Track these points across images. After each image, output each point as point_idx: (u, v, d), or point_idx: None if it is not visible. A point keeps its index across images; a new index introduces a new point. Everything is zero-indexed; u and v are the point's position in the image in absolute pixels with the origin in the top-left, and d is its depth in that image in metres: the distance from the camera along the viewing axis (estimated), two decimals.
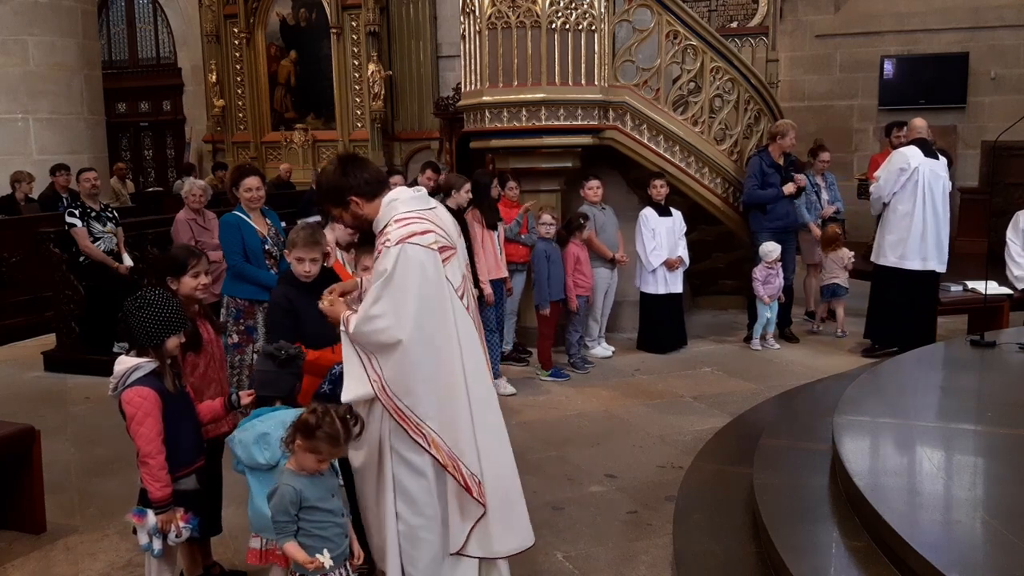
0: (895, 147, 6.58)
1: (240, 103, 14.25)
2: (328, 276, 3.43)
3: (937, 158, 6.47)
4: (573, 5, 6.70)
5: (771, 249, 6.86)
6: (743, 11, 11.10)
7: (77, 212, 6.77)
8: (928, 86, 11.71)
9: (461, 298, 2.79)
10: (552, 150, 7.02)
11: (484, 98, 6.90)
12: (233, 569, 3.44)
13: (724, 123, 7.52)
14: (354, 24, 13.25)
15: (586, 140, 6.99)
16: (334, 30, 13.30)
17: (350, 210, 2.83)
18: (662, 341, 6.92)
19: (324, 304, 2.86)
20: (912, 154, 6.32)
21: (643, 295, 6.93)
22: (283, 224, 5.40)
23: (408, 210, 2.75)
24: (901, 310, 6.33)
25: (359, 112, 13.50)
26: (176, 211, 6.96)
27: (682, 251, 6.92)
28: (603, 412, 5.53)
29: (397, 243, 2.64)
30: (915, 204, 6.28)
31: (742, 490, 3.88)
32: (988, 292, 6.03)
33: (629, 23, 7.14)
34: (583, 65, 6.80)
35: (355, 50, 13.31)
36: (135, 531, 2.92)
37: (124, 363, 2.86)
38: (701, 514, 3.81)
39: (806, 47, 12.57)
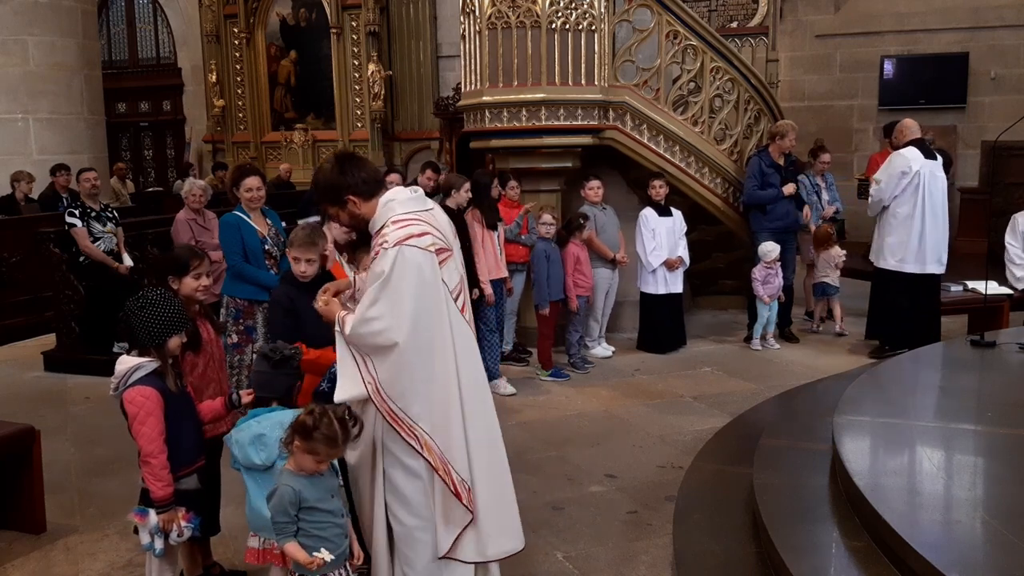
0: (895, 148, 6.55)
1: (240, 103, 14.25)
2: (328, 277, 3.42)
3: (935, 158, 6.46)
4: (573, 5, 6.70)
5: (770, 249, 6.87)
6: (743, 11, 11.10)
7: (77, 212, 6.77)
8: (928, 86, 11.72)
9: (457, 300, 2.79)
10: (552, 150, 7.02)
11: (484, 98, 6.91)
12: (233, 569, 3.45)
13: (724, 123, 7.52)
14: (354, 24, 13.25)
15: (586, 140, 6.99)
16: (334, 30, 13.31)
17: (347, 209, 2.80)
18: (662, 341, 6.92)
19: (319, 304, 2.84)
20: (913, 157, 6.28)
21: (643, 295, 6.93)
22: (283, 224, 5.41)
23: (405, 211, 2.73)
24: (903, 311, 6.32)
25: (359, 112, 13.50)
26: (176, 211, 6.95)
27: (682, 251, 6.92)
28: (603, 412, 5.53)
29: (395, 245, 2.63)
30: (915, 207, 6.25)
31: (742, 490, 3.87)
32: (988, 292, 6.03)
33: (629, 23, 7.14)
34: (583, 65, 6.80)
35: (355, 50, 13.31)
36: (136, 530, 2.92)
37: (125, 363, 2.86)
38: (701, 514, 3.81)
39: (806, 47, 12.58)
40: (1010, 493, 3.08)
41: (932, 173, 6.33)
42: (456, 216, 5.80)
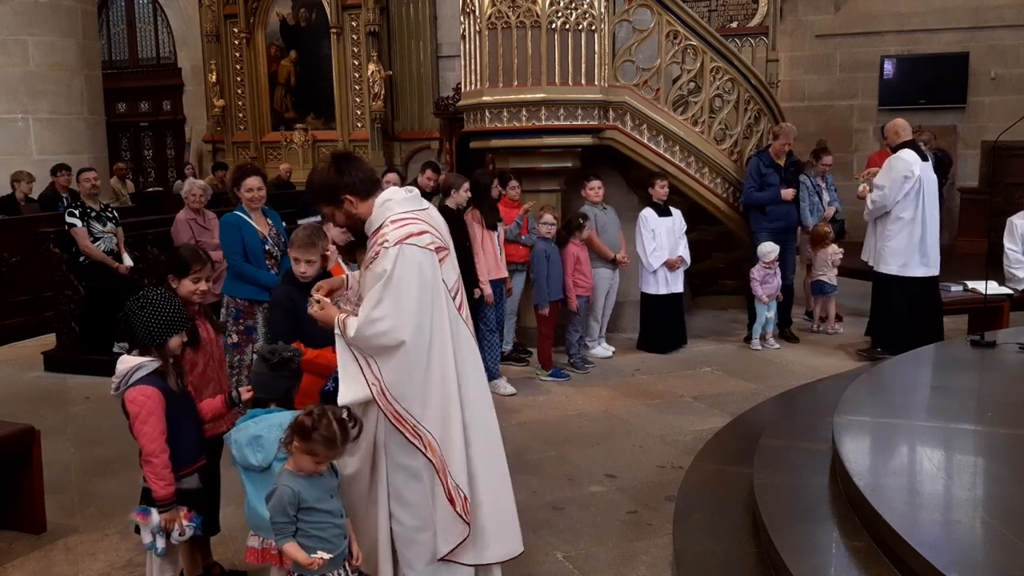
0: (891, 148, 6.52)
1: (240, 103, 14.24)
2: (328, 277, 3.41)
3: (927, 159, 6.45)
4: (573, 5, 6.70)
5: (769, 250, 6.87)
6: (743, 11, 11.10)
7: (77, 212, 6.77)
8: (928, 86, 11.72)
9: (455, 298, 2.79)
10: (552, 150, 7.02)
11: (484, 98, 6.91)
12: (233, 569, 3.45)
13: (724, 123, 7.52)
14: (354, 24, 13.25)
15: (586, 140, 6.99)
16: (334, 30, 13.30)
17: (343, 209, 2.79)
18: (662, 341, 6.92)
19: (314, 309, 2.80)
20: (913, 160, 6.25)
21: (643, 295, 6.93)
22: (284, 224, 5.40)
23: (403, 211, 2.73)
24: (907, 315, 6.29)
25: (359, 112, 13.50)
26: (176, 211, 6.95)
27: (683, 250, 6.93)
28: (603, 412, 5.53)
29: (395, 244, 2.62)
30: (917, 211, 6.23)
31: (742, 490, 3.87)
32: (988, 292, 6.03)
33: (629, 23, 7.15)
34: (583, 65, 6.80)
35: (355, 50, 13.31)
36: (137, 530, 2.92)
37: (126, 362, 2.86)
38: (701, 514, 3.81)
39: (806, 47, 12.58)
40: (1010, 493, 3.08)
41: (928, 176, 6.32)
42: (456, 216, 5.80)
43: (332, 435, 2.50)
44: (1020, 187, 10.57)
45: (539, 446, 4.90)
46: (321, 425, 2.49)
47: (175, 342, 2.91)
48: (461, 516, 2.69)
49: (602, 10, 6.83)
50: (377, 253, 2.66)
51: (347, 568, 2.66)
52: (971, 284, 6.79)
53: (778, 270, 6.95)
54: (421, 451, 2.67)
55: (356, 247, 3.24)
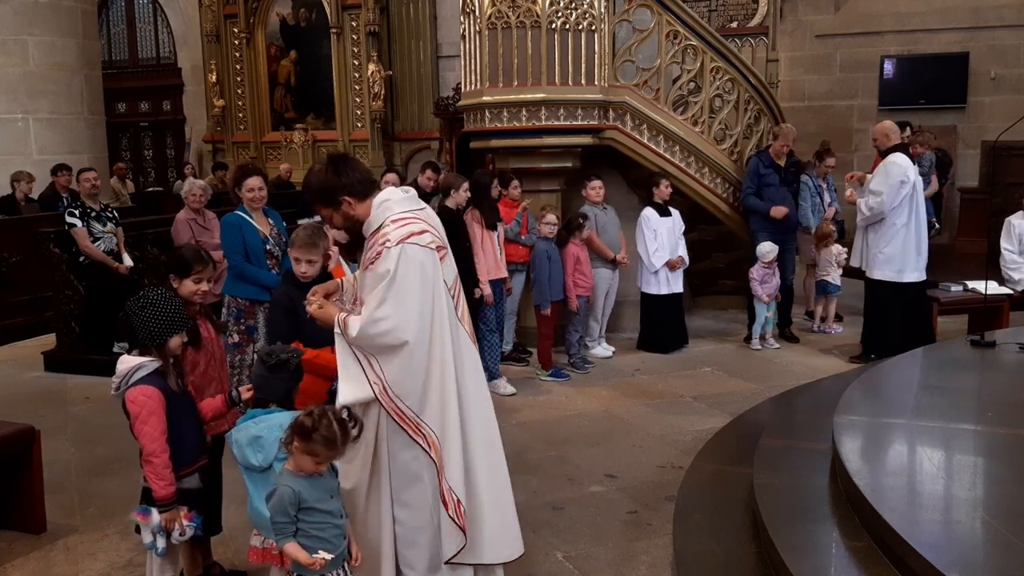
0: (882, 152, 6.48)
1: (240, 103, 14.24)
2: (329, 278, 3.41)
3: (914, 162, 6.44)
4: (573, 5, 6.70)
5: (768, 250, 6.87)
6: (743, 11, 11.11)
7: (77, 212, 6.77)
8: (928, 86, 11.71)
9: (454, 298, 2.79)
10: (552, 150, 7.02)
11: (484, 98, 6.91)
12: (233, 569, 3.45)
13: (724, 123, 7.52)
14: (354, 24, 13.25)
15: (586, 140, 6.99)
16: (334, 30, 13.30)
17: (341, 210, 2.78)
18: (662, 341, 6.92)
19: (313, 308, 2.81)
20: (907, 164, 6.23)
21: (643, 295, 6.93)
22: (285, 224, 5.40)
23: (403, 210, 2.73)
24: (900, 319, 6.26)
25: (359, 112, 13.51)
26: (176, 211, 6.96)
27: (682, 250, 6.93)
28: (603, 412, 5.53)
29: (397, 243, 2.63)
30: (911, 215, 6.21)
31: (742, 490, 3.87)
32: (988, 292, 6.03)
33: (629, 23, 7.15)
34: (583, 65, 6.81)
35: (355, 50, 13.31)
36: (138, 530, 2.92)
37: (127, 362, 2.86)
38: (701, 514, 3.81)
39: (806, 47, 12.57)
40: (1010, 493, 3.09)
41: (917, 180, 6.32)
42: (456, 216, 5.80)
43: (332, 435, 2.50)
44: (1020, 187, 10.54)
45: (539, 446, 4.91)
46: (321, 425, 2.49)
47: (175, 342, 2.91)
48: (453, 519, 2.69)
49: (602, 10, 6.83)
50: (379, 253, 2.66)
51: (346, 569, 2.66)
52: (971, 284, 6.79)
53: (777, 270, 6.95)
54: (424, 449, 2.67)
55: (357, 247, 3.24)
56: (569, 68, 6.77)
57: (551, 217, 6.36)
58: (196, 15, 14.59)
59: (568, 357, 6.52)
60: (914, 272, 6.26)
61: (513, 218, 6.42)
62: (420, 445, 2.67)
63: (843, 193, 8.03)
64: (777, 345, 7.03)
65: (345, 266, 3.97)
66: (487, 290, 5.91)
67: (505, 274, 6.23)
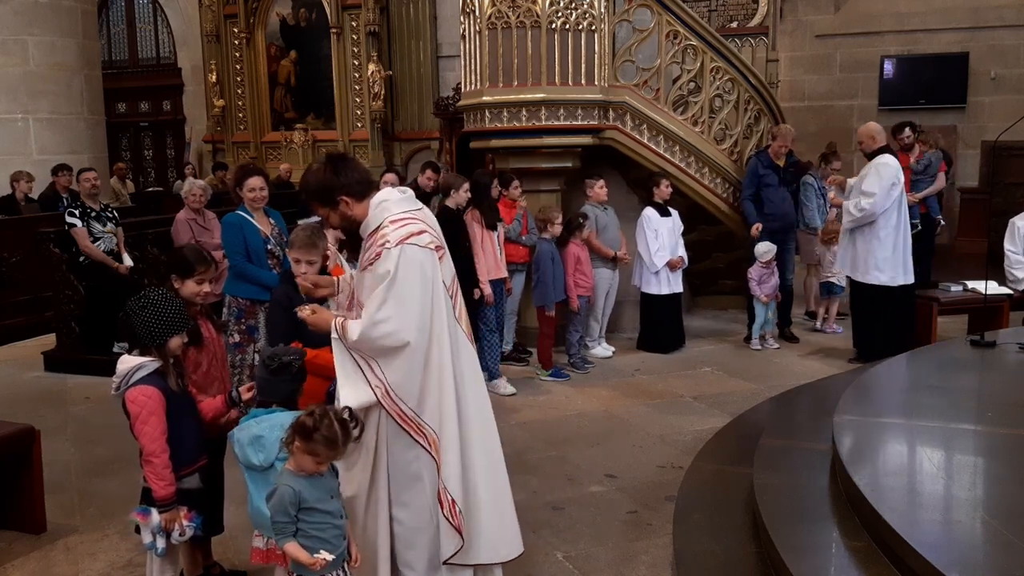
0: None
1: (240, 103, 14.24)
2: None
3: (915, 162, 6.43)
4: (573, 5, 6.71)
5: (766, 250, 6.87)
6: (743, 11, 11.11)
7: (77, 212, 6.77)
8: (928, 86, 11.72)
9: (452, 298, 2.79)
10: (552, 150, 7.02)
11: (484, 98, 6.91)
12: (233, 569, 3.45)
13: (724, 123, 7.52)
14: (354, 24, 13.25)
15: (586, 140, 6.99)
16: (334, 30, 13.30)
17: (339, 210, 2.78)
18: (662, 341, 6.92)
19: (305, 313, 2.80)
20: (897, 165, 6.20)
21: (643, 295, 6.93)
22: (286, 224, 5.40)
23: (401, 211, 2.73)
24: (890, 322, 6.24)
25: (359, 112, 13.50)
26: (176, 211, 6.96)
27: (681, 251, 6.93)
28: (603, 412, 5.53)
29: (397, 244, 2.63)
30: (899, 218, 6.20)
31: (742, 490, 3.87)
32: (988, 292, 6.03)
33: (629, 23, 7.15)
34: (583, 65, 6.81)
35: (355, 50, 13.31)
36: (137, 530, 2.92)
37: (127, 362, 2.86)
38: (701, 514, 3.81)
39: (806, 47, 12.58)
40: (1010, 493, 3.08)
41: (902, 182, 6.31)
42: (456, 216, 5.80)
43: (333, 435, 2.50)
44: (1020, 187, 10.58)
45: (539, 446, 4.91)
46: (323, 425, 2.49)
47: (175, 342, 2.91)
48: (448, 520, 2.69)
49: (602, 10, 6.84)
50: (378, 254, 2.66)
51: (346, 570, 2.66)
52: (971, 284, 6.78)
53: (776, 270, 6.94)
54: (426, 448, 2.67)
55: (356, 247, 3.24)
56: (569, 68, 6.77)
57: (559, 219, 6.35)
58: (196, 15, 14.58)
59: (568, 357, 6.52)
60: (905, 275, 6.24)
61: (513, 218, 6.41)
62: (422, 445, 2.67)
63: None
64: (777, 345, 7.03)
65: (345, 265, 3.96)
66: (487, 290, 5.91)
67: (505, 274, 6.23)
